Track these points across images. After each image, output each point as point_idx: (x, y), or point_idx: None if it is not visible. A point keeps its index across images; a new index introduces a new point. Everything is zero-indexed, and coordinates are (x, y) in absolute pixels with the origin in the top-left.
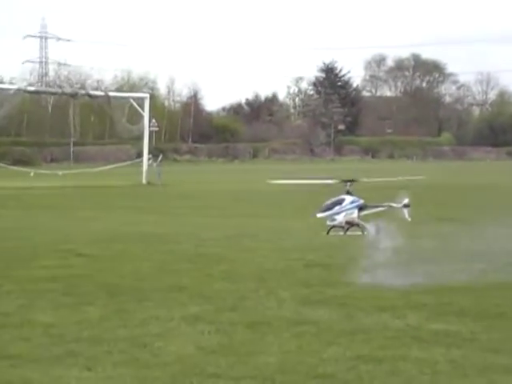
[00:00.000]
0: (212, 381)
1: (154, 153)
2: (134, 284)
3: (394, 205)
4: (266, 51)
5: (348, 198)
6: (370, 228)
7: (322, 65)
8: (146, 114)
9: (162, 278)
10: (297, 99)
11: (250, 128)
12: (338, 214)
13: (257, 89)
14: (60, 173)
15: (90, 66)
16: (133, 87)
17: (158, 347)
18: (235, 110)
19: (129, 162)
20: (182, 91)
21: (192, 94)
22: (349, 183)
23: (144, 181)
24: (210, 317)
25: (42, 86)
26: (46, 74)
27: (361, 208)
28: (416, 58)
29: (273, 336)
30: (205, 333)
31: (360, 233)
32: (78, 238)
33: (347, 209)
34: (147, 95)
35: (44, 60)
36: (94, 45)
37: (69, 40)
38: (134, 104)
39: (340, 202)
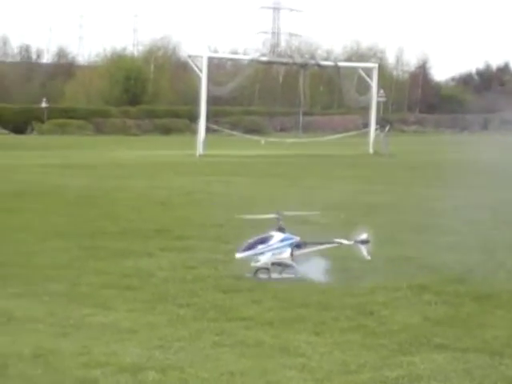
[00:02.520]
0: (439, 351)
1: (381, 123)
2: (360, 253)
3: (345, 241)
4: (498, 18)
5: (277, 236)
6: (306, 269)
7: None
8: (374, 84)
9: (387, 248)
10: None
11: (479, 98)
12: (262, 254)
13: (488, 58)
14: (289, 141)
15: (319, 37)
16: (361, 57)
17: (384, 316)
18: (465, 80)
19: (356, 132)
20: (411, 61)
21: (420, 63)
22: (280, 217)
23: (371, 150)
24: (437, 287)
25: (273, 56)
26: (278, 45)
27: (297, 246)
28: None
29: (502, 309)
30: (431, 303)
31: (292, 276)
32: (306, 206)
33: (274, 248)
34: (376, 65)
35: (276, 31)
36: (324, 15)
37: (300, 11)
38: (363, 74)
39: (266, 240)
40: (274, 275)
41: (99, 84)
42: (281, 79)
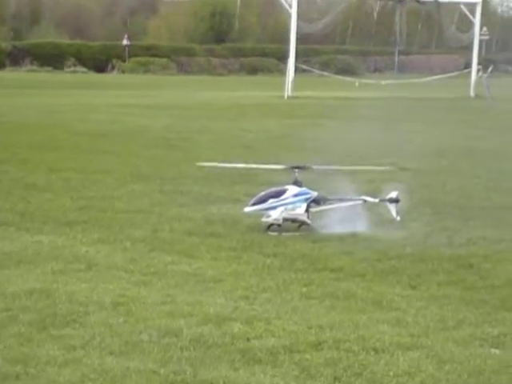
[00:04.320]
0: None
1: (484, 63)
2: (460, 201)
3: (371, 199)
4: None
5: (292, 189)
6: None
7: None
8: (476, 22)
9: (490, 197)
10: None
11: None
12: (273, 208)
13: None
14: (383, 82)
15: None
16: None
17: (485, 269)
18: None
19: (456, 73)
20: None
21: None
22: (297, 170)
23: (472, 93)
24: None
25: None
26: None
27: (315, 202)
28: None
29: None
30: None
31: (297, 234)
32: (402, 151)
33: (287, 203)
34: (479, 1)
35: None
36: None
37: None
38: (465, 10)
39: (278, 194)
40: (288, 233)
41: (183, 20)
42: (375, 16)
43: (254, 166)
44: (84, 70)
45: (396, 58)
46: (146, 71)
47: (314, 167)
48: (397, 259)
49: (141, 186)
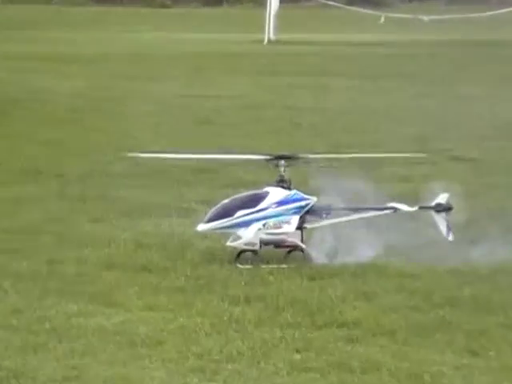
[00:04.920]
0: None
1: None
2: None
3: (405, 207)
4: None
5: (275, 194)
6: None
7: None
8: None
9: None
10: None
11: None
12: (244, 225)
13: None
14: (426, 19)
15: None
16: None
17: None
18: None
19: None
20: None
21: None
22: (283, 162)
23: None
24: None
25: None
26: None
27: (313, 213)
28: None
29: None
30: None
31: (285, 266)
32: (453, 130)
33: (267, 215)
34: None
35: None
36: None
37: None
38: None
39: (252, 203)
40: (270, 265)
41: None
42: None
43: (220, 156)
44: None
45: None
46: (45, 1)
47: (310, 156)
48: (448, 307)
49: (32, 187)
